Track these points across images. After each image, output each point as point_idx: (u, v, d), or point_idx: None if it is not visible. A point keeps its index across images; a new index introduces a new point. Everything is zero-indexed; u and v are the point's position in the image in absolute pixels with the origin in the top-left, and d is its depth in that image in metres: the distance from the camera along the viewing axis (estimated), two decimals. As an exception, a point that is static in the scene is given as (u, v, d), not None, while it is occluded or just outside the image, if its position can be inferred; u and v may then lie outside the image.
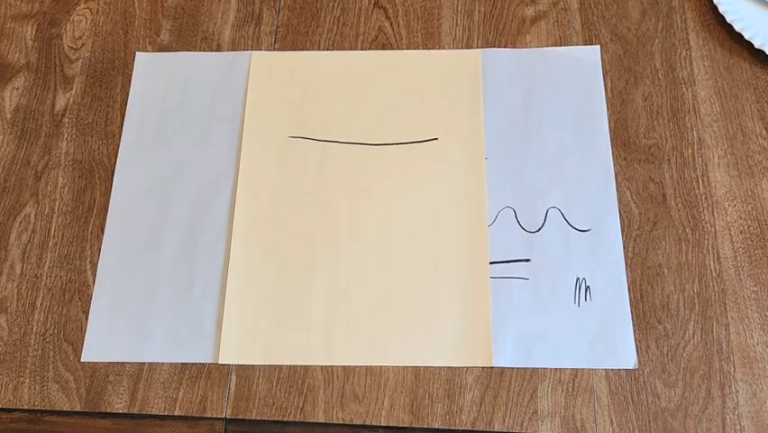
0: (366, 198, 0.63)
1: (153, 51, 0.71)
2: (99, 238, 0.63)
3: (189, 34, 0.72)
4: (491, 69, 0.68)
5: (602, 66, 0.68)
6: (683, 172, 0.64)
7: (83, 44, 0.72)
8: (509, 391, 0.57)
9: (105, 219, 0.63)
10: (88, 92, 0.69)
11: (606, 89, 0.67)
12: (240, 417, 0.57)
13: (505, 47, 0.69)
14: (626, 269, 0.60)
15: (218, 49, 0.71)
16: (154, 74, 0.69)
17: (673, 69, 0.68)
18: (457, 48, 0.69)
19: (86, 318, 0.60)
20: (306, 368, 0.58)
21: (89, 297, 0.61)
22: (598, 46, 0.68)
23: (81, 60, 0.71)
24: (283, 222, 0.63)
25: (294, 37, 0.71)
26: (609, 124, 0.65)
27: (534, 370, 0.57)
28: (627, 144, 0.65)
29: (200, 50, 0.71)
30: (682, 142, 0.65)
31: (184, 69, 0.70)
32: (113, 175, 0.65)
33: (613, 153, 0.64)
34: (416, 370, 0.57)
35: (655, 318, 0.58)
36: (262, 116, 0.67)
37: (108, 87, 0.70)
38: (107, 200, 0.64)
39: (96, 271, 0.62)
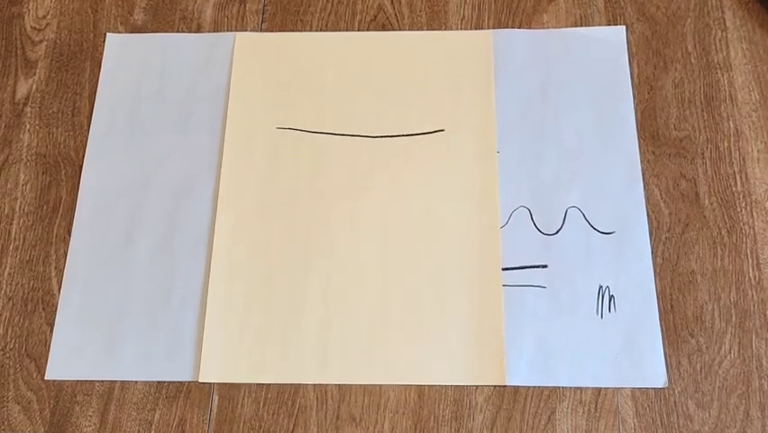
0: (363, 197, 0.63)
1: (126, 32, 0.70)
2: (66, 241, 0.62)
3: (166, 13, 0.71)
4: (504, 53, 0.67)
5: (628, 49, 0.67)
6: (719, 168, 0.63)
7: (47, 24, 0.71)
8: (524, 413, 0.56)
9: (71, 220, 0.63)
10: (53, 78, 0.68)
11: (632, 75, 0.66)
12: (222, 441, 0.56)
13: (519, 27, 0.69)
14: (655, 276, 0.59)
15: (198, 30, 0.70)
16: (127, 58, 0.69)
17: (707, 52, 0.67)
18: (466, 29, 0.69)
19: (51, 331, 0.59)
20: (296, 387, 0.57)
21: (54, 307, 0.60)
22: (623, 26, 0.68)
23: (45, 43, 0.70)
24: (271, 224, 0.62)
25: (283, 16, 0.70)
26: (636, 113, 0.65)
27: (552, 389, 0.56)
28: (656, 137, 0.64)
29: (178, 32, 0.70)
30: (717, 134, 0.64)
31: (160, 52, 0.69)
32: (80, 171, 0.65)
33: (640, 147, 0.64)
34: (419, 389, 0.57)
35: (687, 331, 0.58)
36: (247, 105, 0.66)
37: (75, 73, 0.69)
38: (74, 199, 0.64)
39: (61, 278, 0.61)
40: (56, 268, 0.61)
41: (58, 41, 0.70)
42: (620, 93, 0.65)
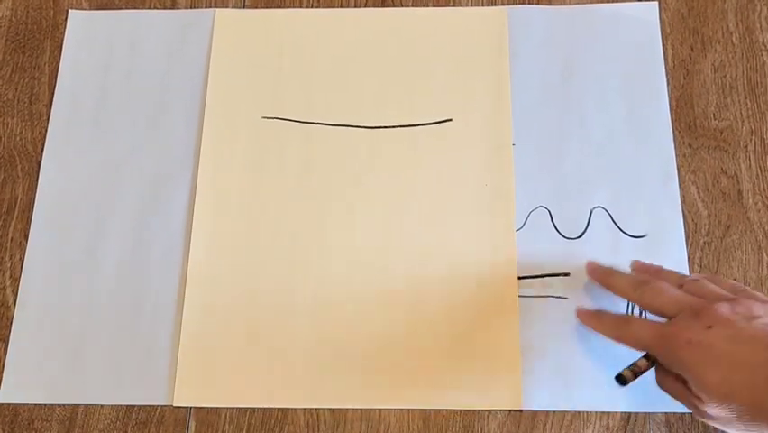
0: (360, 196, 0.62)
1: (90, 9, 0.70)
2: (22, 247, 0.62)
3: (137, -14, 0.71)
4: (520, 32, 0.67)
5: (663, 28, 0.67)
6: (764, 162, 0.63)
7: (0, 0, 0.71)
8: (543, 442, 0.56)
9: (28, 223, 0.63)
10: (8, 61, 0.68)
11: (666, 58, 0.66)
12: (200, 474, 0.57)
13: (538, 3, 0.68)
14: None
15: (174, 5, 0.70)
16: (91, 38, 0.68)
17: (751, 31, 0.67)
18: (478, 5, 0.68)
19: (5, 348, 0.59)
20: (284, 411, 0.57)
21: (9, 321, 0.60)
22: (656, 2, 0.68)
23: None
24: (255, 229, 0.62)
25: None
26: (670, 101, 0.65)
27: (575, 414, 0.56)
28: (693, 128, 0.64)
29: (151, 8, 0.69)
30: (763, 124, 0.64)
31: (129, 31, 0.68)
32: (39, 167, 0.64)
33: (675, 139, 0.64)
34: (424, 414, 0.57)
35: None
36: (228, 92, 0.66)
37: (33, 55, 0.68)
38: (32, 199, 0.63)
39: (17, 288, 0.61)
40: (11, 277, 0.61)
41: (13, 18, 0.70)
42: (653, 78, 0.65)
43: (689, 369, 0.46)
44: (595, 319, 0.55)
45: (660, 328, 0.49)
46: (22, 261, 0.62)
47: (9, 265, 0.62)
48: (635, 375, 0.50)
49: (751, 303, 0.46)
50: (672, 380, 0.49)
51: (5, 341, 0.59)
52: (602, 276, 0.56)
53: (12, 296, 0.61)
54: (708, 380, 0.45)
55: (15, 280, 0.61)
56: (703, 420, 0.48)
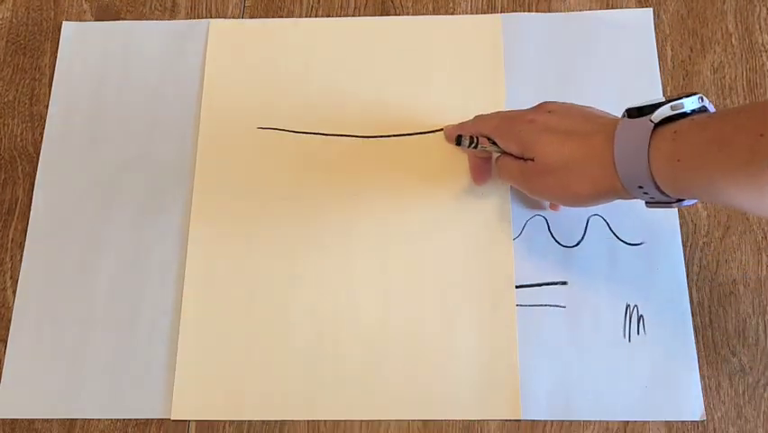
0: (356, 206, 0.62)
1: (90, 10, 0.70)
2: (23, 247, 0.63)
3: (135, -6, 0.71)
4: (515, 40, 0.67)
5: (662, 29, 0.67)
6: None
7: (2, 1, 0.71)
8: (542, 449, 0.56)
9: (29, 223, 0.63)
10: (9, 62, 0.69)
11: (665, 58, 0.66)
12: (200, 488, 0.57)
13: (535, 11, 0.68)
14: (691, 287, 0.59)
15: (173, 13, 0.70)
16: (85, 49, 0.68)
17: (751, 32, 0.67)
18: (474, 12, 0.69)
19: (5, 350, 0.59)
20: (282, 423, 0.57)
21: (8, 321, 0.60)
22: (651, 9, 0.68)
23: (0, 22, 0.70)
24: (252, 238, 0.62)
25: (268, 1, 0.70)
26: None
27: (574, 423, 0.57)
28: None
29: (151, 14, 0.70)
30: None
31: (124, 42, 0.69)
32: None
33: None
34: (424, 419, 0.57)
35: (728, 349, 0.58)
36: (224, 102, 0.66)
37: (34, 57, 0.69)
38: (32, 200, 0.64)
39: (17, 288, 0.61)
40: (11, 278, 0.61)
41: (14, 20, 0.70)
42: (648, 85, 0.65)
43: (528, 141, 0.52)
44: (457, 128, 0.61)
45: (504, 114, 0.57)
46: (21, 262, 0.62)
47: (10, 266, 0.62)
48: (472, 143, 0.56)
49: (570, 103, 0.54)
50: (510, 159, 0.54)
51: (5, 342, 0.60)
52: (458, 128, 0.60)
53: (12, 296, 0.61)
54: (546, 148, 0.51)
55: (15, 282, 0.61)
56: (534, 195, 0.55)
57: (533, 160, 0.52)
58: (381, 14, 0.69)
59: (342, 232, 0.61)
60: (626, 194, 0.48)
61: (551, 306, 0.59)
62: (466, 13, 0.68)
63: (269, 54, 0.67)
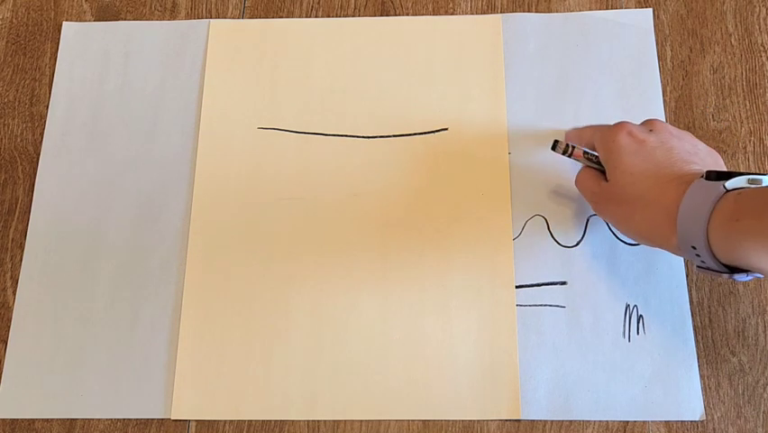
0: (356, 205, 0.62)
1: (90, 10, 0.70)
2: (23, 247, 0.62)
3: (136, -7, 0.71)
4: (515, 40, 0.67)
5: (662, 29, 0.67)
6: (763, 163, 0.63)
7: (2, 2, 0.71)
8: (541, 448, 0.56)
9: (29, 224, 0.63)
10: (9, 62, 0.69)
11: (665, 59, 0.66)
12: (200, 488, 0.56)
13: (535, 11, 0.68)
14: (691, 287, 0.59)
15: (173, 13, 0.70)
16: (86, 49, 0.68)
17: (750, 32, 0.67)
18: (474, 12, 0.69)
19: (5, 350, 0.59)
20: (282, 423, 0.58)
21: (9, 321, 0.60)
22: (650, 9, 0.68)
23: (0, 22, 0.70)
24: (252, 238, 0.62)
25: (268, 1, 0.70)
26: (669, 102, 0.65)
27: (574, 423, 0.57)
28: (692, 128, 0.64)
29: (151, 14, 0.70)
30: (762, 125, 0.64)
31: (124, 42, 0.68)
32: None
33: None
34: (424, 419, 0.57)
35: (728, 349, 0.58)
36: (224, 102, 0.66)
37: (34, 56, 0.69)
38: (33, 200, 0.64)
39: (17, 289, 0.61)
40: (11, 277, 0.61)
41: (14, 20, 0.70)
42: (648, 85, 0.65)
43: (611, 160, 0.52)
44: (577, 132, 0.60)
45: (610, 126, 0.55)
46: (21, 262, 0.62)
47: (10, 266, 0.62)
48: (565, 152, 0.56)
49: (688, 134, 0.53)
50: (590, 176, 0.55)
51: (5, 342, 0.59)
52: (576, 134, 0.60)
53: (12, 296, 0.61)
54: (623, 178, 0.51)
55: (15, 282, 0.61)
56: (600, 214, 0.56)
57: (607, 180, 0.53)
58: (381, 14, 0.68)
59: (342, 231, 0.61)
60: (679, 251, 0.47)
61: (551, 306, 0.59)
62: (466, 14, 0.68)
63: (269, 54, 0.67)
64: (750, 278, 0.45)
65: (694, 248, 0.45)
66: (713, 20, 0.67)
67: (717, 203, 0.44)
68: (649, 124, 0.53)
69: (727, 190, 0.44)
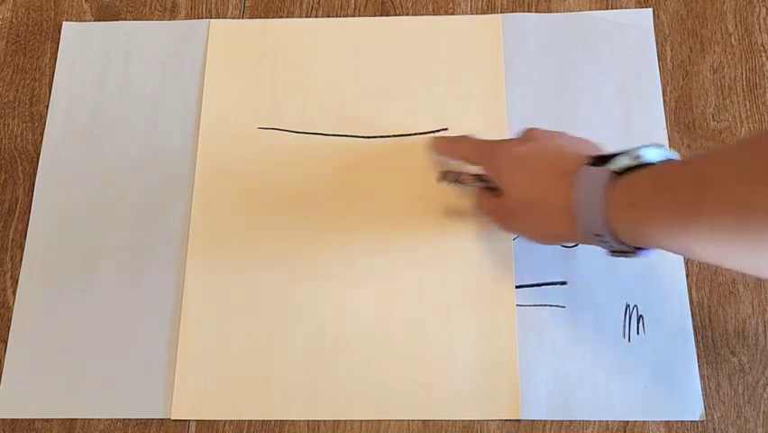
0: (357, 206, 0.62)
1: (90, 10, 0.70)
2: (23, 248, 0.62)
3: (137, -7, 0.71)
4: (515, 40, 0.67)
5: (662, 30, 0.67)
6: None
7: (2, 2, 0.71)
8: (541, 448, 0.56)
9: (29, 224, 0.63)
10: (9, 62, 0.68)
11: (665, 59, 0.66)
12: (201, 488, 0.56)
13: (535, 11, 0.68)
14: (691, 287, 0.59)
15: (173, 13, 0.70)
16: (86, 49, 0.68)
17: (750, 32, 0.66)
18: (474, 12, 0.68)
19: (5, 350, 0.59)
20: (282, 423, 0.57)
21: (9, 321, 0.60)
22: (650, 9, 0.67)
23: (0, 22, 0.70)
24: (252, 238, 0.61)
25: (268, 1, 0.70)
26: (669, 102, 0.65)
27: (574, 423, 0.57)
28: (692, 128, 0.64)
29: (151, 14, 0.70)
30: (762, 125, 0.64)
31: (124, 42, 0.68)
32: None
33: (674, 138, 0.64)
34: (424, 419, 0.57)
35: (728, 349, 0.58)
36: (224, 102, 0.66)
37: (34, 56, 0.69)
38: (33, 201, 0.64)
39: (17, 289, 0.61)
40: (11, 277, 0.61)
41: (14, 20, 0.70)
42: (648, 85, 0.65)
43: (501, 176, 0.53)
44: (441, 142, 0.61)
45: (489, 142, 0.56)
46: (21, 262, 0.62)
47: (10, 266, 0.62)
48: (456, 180, 0.59)
49: (562, 133, 0.54)
50: (487, 196, 0.56)
51: (5, 342, 0.59)
52: (447, 145, 0.60)
53: (12, 296, 0.61)
54: (516, 190, 0.51)
55: (15, 282, 0.61)
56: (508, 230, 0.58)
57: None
58: (381, 14, 0.68)
59: (342, 231, 0.61)
60: (586, 241, 0.48)
61: (551, 306, 0.59)
62: (466, 14, 0.68)
63: (269, 54, 0.67)
64: (653, 254, 0.46)
65: (598, 236, 0.46)
66: (713, 20, 0.67)
67: (608, 188, 0.44)
68: (525, 135, 0.54)
69: (614, 172, 0.45)
